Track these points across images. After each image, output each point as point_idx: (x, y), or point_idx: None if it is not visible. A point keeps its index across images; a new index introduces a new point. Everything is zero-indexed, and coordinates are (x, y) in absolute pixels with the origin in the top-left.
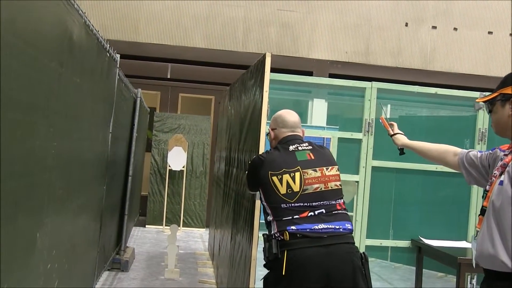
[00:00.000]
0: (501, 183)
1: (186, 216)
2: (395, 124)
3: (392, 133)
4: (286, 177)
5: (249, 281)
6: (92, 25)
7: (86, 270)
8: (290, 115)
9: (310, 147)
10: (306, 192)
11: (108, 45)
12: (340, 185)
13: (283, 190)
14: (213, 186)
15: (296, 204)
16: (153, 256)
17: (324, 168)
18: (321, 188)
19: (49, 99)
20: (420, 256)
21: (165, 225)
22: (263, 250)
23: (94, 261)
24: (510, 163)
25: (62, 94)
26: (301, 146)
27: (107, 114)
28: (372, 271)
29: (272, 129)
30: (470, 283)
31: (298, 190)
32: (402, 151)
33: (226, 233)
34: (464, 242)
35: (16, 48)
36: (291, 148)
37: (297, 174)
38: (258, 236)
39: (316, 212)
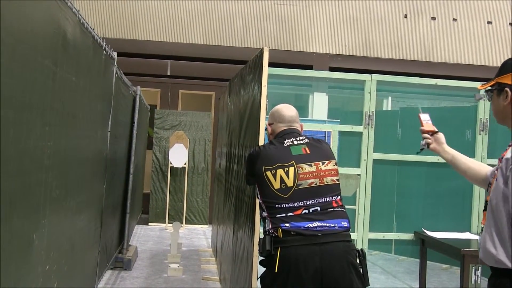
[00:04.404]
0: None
1: (188, 213)
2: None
3: (436, 130)
4: (280, 172)
5: (252, 277)
6: (87, 23)
7: (87, 269)
8: (287, 109)
9: (306, 141)
10: (300, 187)
11: (105, 43)
12: (338, 180)
13: (277, 185)
14: (214, 183)
15: (291, 205)
16: (156, 254)
17: (320, 162)
18: (316, 183)
19: (44, 98)
20: (424, 249)
21: (168, 223)
22: (258, 245)
23: (96, 260)
24: (503, 158)
25: (57, 93)
26: (297, 140)
27: (105, 112)
28: (376, 264)
29: (269, 124)
30: (475, 274)
31: (292, 185)
32: (425, 147)
33: (228, 229)
34: (468, 233)
35: (7, 46)
36: (287, 142)
37: (291, 169)
38: (260, 232)
39: (311, 210)
